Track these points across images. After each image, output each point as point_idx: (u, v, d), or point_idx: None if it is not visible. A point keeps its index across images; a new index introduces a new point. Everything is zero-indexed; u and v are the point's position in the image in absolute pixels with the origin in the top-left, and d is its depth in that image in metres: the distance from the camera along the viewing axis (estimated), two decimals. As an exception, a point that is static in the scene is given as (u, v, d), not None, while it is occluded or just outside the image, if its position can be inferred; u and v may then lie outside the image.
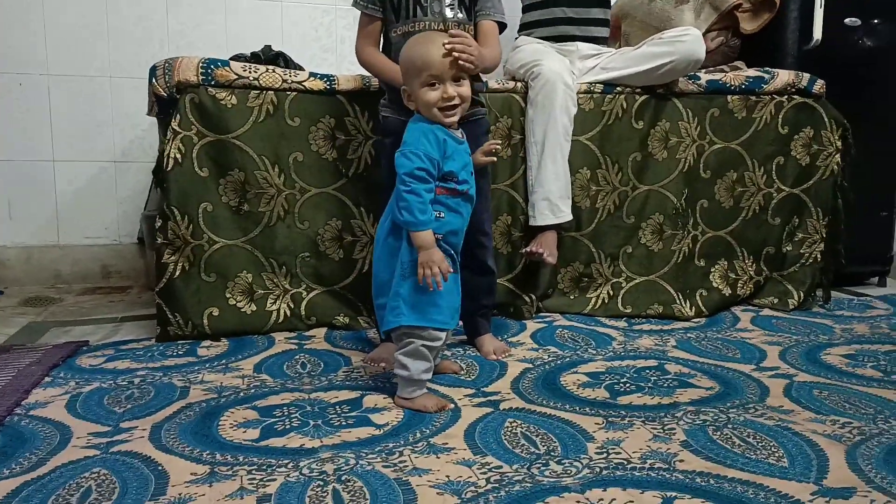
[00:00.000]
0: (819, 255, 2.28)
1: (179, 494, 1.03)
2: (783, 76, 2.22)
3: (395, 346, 1.39)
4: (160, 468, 1.11)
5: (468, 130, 1.49)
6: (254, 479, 1.07)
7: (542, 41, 2.17)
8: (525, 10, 2.28)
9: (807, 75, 2.24)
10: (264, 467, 1.11)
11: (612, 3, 2.31)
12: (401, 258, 1.34)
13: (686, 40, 2.03)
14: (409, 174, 1.30)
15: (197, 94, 1.81)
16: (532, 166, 2.01)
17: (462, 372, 1.57)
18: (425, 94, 1.36)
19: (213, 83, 1.82)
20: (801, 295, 2.24)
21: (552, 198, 1.99)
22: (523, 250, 2.03)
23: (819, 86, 2.25)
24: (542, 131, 1.99)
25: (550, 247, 2.00)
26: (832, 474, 1.09)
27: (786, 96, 2.23)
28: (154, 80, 1.84)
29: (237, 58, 2.07)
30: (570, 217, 2.03)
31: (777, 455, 1.15)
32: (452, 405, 1.38)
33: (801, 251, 2.28)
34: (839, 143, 2.25)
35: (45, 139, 2.52)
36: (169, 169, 1.80)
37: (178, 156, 1.81)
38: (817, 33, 2.40)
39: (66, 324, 2.04)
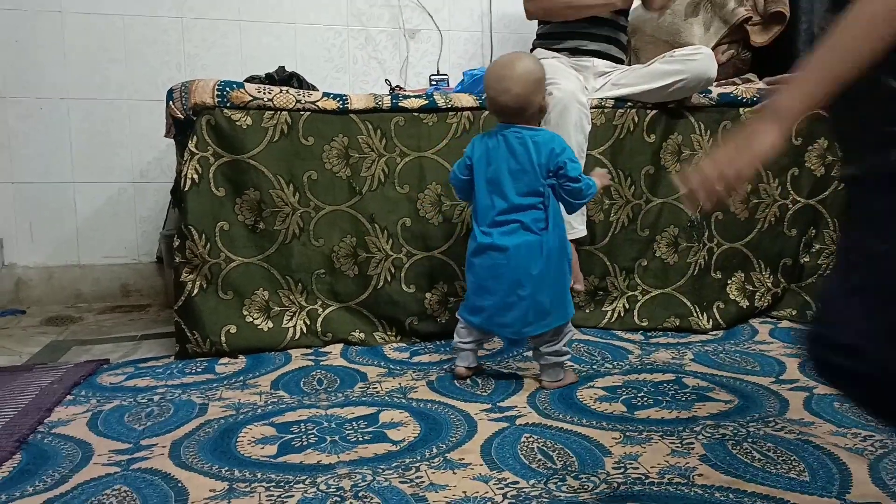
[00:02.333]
0: (837, 266, 2.26)
1: (199, 511, 1.04)
2: (796, 87, 2.21)
3: (545, 341, 1.58)
4: (180, 485, 1.12)
5: None
6: (272, 495, 1.08)
7: (558, 55, 2.18)
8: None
9: (820, 86, 2.23)
10: (282, 483, 1.12)
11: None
12: (567, 261, 1.62)
13: (697, 59, 2.02)
14: (581, 173, 1.56)
15: (213, 115, 1.84)
16: None
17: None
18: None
19: (228, 105, 1.85)
20: (820, 306, 2.21)
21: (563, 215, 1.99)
22: None
23: (832, 96, 2.24)
24: None
25: (574, 272, 1.99)
26: (855, 489, 1.07)
27: (799, 107, 2.22)
28: (171, 103, 1.87)
29: (252, 79, 2.10)
30: (583, 233, 2.02)
31: (798, 469, 1.14)
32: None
33: (819, 262, 2.26)
34: (854, 154, 2.23)
35: (66, 161, 2.56)
36: (186, 189, 1.83)
37: (196, 176, 1.83)
38: (829, 44, 2.39)
39: (87, 342, 2.07)
